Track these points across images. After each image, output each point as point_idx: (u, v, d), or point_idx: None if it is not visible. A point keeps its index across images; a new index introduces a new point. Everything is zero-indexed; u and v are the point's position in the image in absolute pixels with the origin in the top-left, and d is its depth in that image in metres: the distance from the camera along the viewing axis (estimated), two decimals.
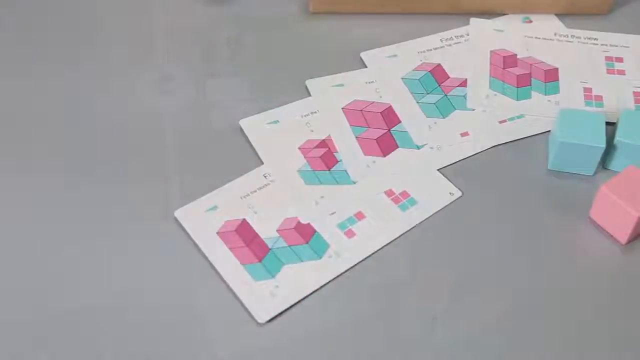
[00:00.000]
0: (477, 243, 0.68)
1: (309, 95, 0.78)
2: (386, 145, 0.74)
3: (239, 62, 0.81)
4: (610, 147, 0.71)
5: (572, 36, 0.84)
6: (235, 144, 0.74)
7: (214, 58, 0.81)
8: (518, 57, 0.82)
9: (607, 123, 0.73)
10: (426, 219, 0.70)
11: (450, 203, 0.71)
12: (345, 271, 0.67)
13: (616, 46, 0.82)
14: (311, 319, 0.64)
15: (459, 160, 0.74)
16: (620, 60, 0.81)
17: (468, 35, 0.84)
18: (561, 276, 0.66)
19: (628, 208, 0.65)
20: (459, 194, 0.71)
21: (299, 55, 0.82)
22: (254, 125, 0.75)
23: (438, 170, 0.73)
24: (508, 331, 0.63)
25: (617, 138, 0.70)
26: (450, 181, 0.72)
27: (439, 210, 0.71)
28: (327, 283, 0.66)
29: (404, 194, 0.71)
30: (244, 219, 0.69)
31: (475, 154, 0.75)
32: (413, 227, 0.69)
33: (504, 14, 0.86)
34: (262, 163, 0.73)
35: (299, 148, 0.74)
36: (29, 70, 0.80)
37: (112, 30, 0.83)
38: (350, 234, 0.68)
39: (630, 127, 0.70)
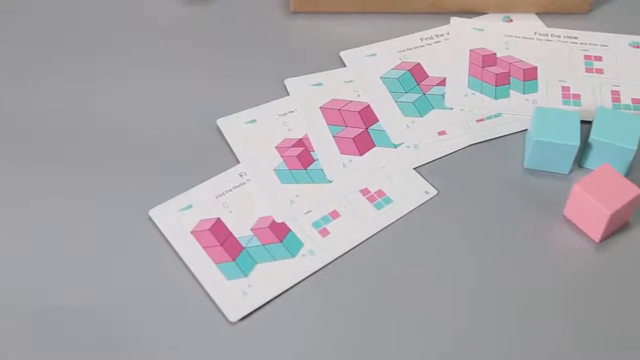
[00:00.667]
0: (452, 241, 0.68)
1: (288, 94, 0.78)
2: (363, 144, 0.74)
3: (218, 61, 0.81)
4: (585, 145, 0.71)
5: (552, 35, 0.84)
6: (212, 143, 0.75)
7: (193, 57, 0.81)
8: (497, 56, 0.82)
9: (584, 122, 0.73)
10: (401, 217, 0.70)
11: (426, 202, 0.71)
12: (319, 270, 0.67)
13: (595, 45, 0.82)
14: (284, 318, 0.64)
15: (436, 159, 0.74)
16: (599, 59, 0.81)
17: (448, 34, 0.84)
18: (535, 274, 0.66)
19: (601, 206, 0.65)
20: (435, 192, 0.71)
21: (278, 54, 0.82)
22: (231, 125, 0.75)
23: (414, 169, 0.73)
24: (482, 329, 0.63)
25: (592, 136, 0.70)
26: (427, 180, 0.72)
27: (414, 209, 0.70)
28: (301, 282, 0.66)
29: (380, 192, 0.71)
30: (219, 218, 0.69)
31: (452, 153, 0.75)
32: (388, 226, 0.69)
33: (484, 13, 0.86)
34: (239, 162, 0.73)
35: (276, 147, 0.74)
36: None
37: (90, 28, 0.83)
38: (324, 232, 0.69)
39: (605, 126, 0.70)
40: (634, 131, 0.70)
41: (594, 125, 0.71)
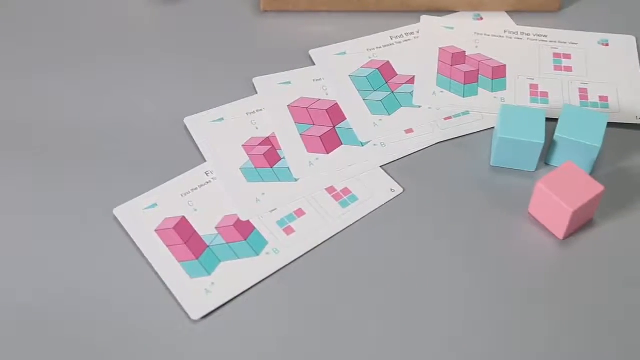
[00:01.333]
0: (417, 239, 0.68)
1: (257, 93, 0.78)
2: (330, 142, 0.75)
3: (187, 60, 0.81)
4: (551, 143, 0.71)
5: (522, 33, 0.84)
6: (179, 142, 0.75)
7: (162, 56, 0.81)
8: (467, 54, 0.82)
9: (552, 119, 0.73)
10: (366, 215, 0.70)
11: (392, 200, 0.71)
12: (283, 268, 0.67)
13: (565, 43, 0.83)
14: (247, 316, 0.64)
15: (403, 157, 0.74)
16: (568, 57, 0.81)
17: (418, 32, 0.84)
18: (499, 272, 0.67)
19: (563, 204, 0.66)
20: (401, 190, 0.71)
21: (248, 53, 0.82)
22: (198, 123, 0.75)
23: (381, 167, 0.73)
24: (445, 326, 0.63)
25: (557, 134, 0.70)
26: (393, 178, 0.72)
27: (379, 207, 0.71)
28: (264, 280, 0.66)
29: (345, 190, 0.71)
30: (183, 217, 0.69)
31: (419, 151, 0.75)
32: (353, 224, 0.69)
33: (455, 12, 0.86)
34: (205, 161, 0.73)
35: (243, 145, 0.74)
36: None
37: (58, 26, 0.83)
38: (289, 230, 0.69)
39: (570, 123, 0.70)
40: (599, 129, 0.70)
41: (559, 122, 0.71)
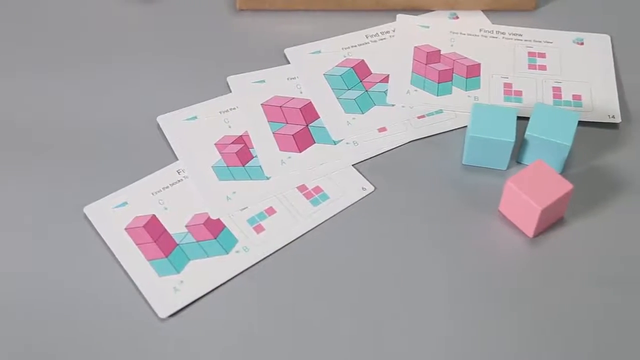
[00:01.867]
0: (387, 237, 0.68)
1: (231, 92, 0.78)
2: (303, 140, 0.75)
3: (162, 58, 0.81)
4: (522, 141, 0.71)
5: (497, 32, 0.84)
6: (152, 140, 0.75)
7: (137, 54, 0.81)
8: (442, 52, 0.82)
9: (525, 118, 0.73)
10: (337, 213, 0.70)
11: (363, 198, 0.71)
12: (252, 266, 0.67)
13: (540, 42, 0.83)
14: (215, 314, 0.64)
15: (375, 156, 0.74)
16: (542, 55, 0.81)
17: (394, 31, 0.84)
18: (469, 270, 0.67)
19: (532, 202, 0.66)
20: (372, 189, 0.71)
21: (223, 52, 0.82)
22: (171, 122, 0.75)
23: (353, 165, 0.73)
24: (416, 325, 0.63)
25: (528, 132, 0.70)
26: (365, 176, 0.72)
27: (350, 205, 0.71)
28: (234, 278, 0.66)
29: (317, 189, 0.71)
30: (154, 215, 0.69)
31: (392, 149, 0.75)
32: (323, 222, 0.69)
33: (431, 11, 0.86)
34: (177, 159, 0.73)
35: (215, 144, 0.74)
36: None
37: (33, 25, 0.83)
38: (259, 229, 0.69)
39: (541, 122, 0.70)
40: (570, 127, 0.70)
41: (530, 121, 0.71)
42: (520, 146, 0.72)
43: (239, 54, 0.82)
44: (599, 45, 0.83)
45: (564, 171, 0.72)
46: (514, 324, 0.64)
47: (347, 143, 0.75)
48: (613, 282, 0.66)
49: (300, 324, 0.64)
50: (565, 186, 0.66)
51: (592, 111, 0.76)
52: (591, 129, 0.76)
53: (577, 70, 0.80)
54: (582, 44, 0.83)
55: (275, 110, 0.77)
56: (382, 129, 0.76)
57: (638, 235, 0.69)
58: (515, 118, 0.71)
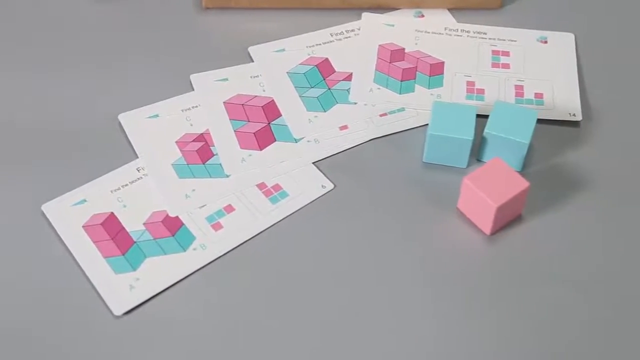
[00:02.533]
0: (346, 235, 0.68)
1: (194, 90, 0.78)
2: (264, 138, 0.75)
3: (126, 56, 0.81)
4: (481, 139, 0.71)
5: (462, 30, 0.84)
6: (113, 139, 0.75)
7: (102, 52, 0.81)
8: (406, 51, 0.82)
9: (486, 116, 0.73)
10: (296, 211, 0.70)
11: (323, 196, 0.71)
12: (209, 263, 0.67)
13: (504, 40, 0.83)
14: (171, 312, 0.64)
15: (336, 154, 0.74)
16: (506, 54, 0.82)
17: (359, 29, 0.84)
18: (427, 268, 0.67)
19: (488, 199, 0.66)
20: (331, 186, 0.71)
21: (188, 50, 0.82)
22: (132, 120, 0.75)
23: (314, 163, 0.73)
24: (375, 323, 0.63)
25: (486, 130, 0.70)
26: (325, 174, 0.72)
27: (309, 203, 0.71)
28: (190, 275, 0.66)
29: (276, 186, 0.71)
30: (112, 213, 0.69)
31: (353, 147, 0.75)
32: (281, 220, 0.69)
33: (397, 9, 0.86)
34: (138, 157, 0.73)
35: (176, 142, 0.74)
36: None
37: None
38: (217, 226, 0.69)
39: (500, 120, 0.71)
40: (529, 125, 0.70)
41: (489, 119, 0.71)
42: (480, 144, 0.72)
43: (203, 52, 0.82)
44: (563, 43, 0.83)
45: (524, 169, 0.72)
46: (472, 322, 0.64)
47: (308, 141, 0.75)
48: (568, 279, 0.66)
49: (256, 322, 0.64)
50: (522, 184, 0.66)
51: (553, 109, 0.77)
52: (552, 127, 0.76)
53: (540, 69, 0.80)
54: (546, 42, 0.83)
55: (237, 108, 0.77)
56: (344, 127, 0.76)
57: (595, 232, 0.69)
58: (475, 116, 0.71)
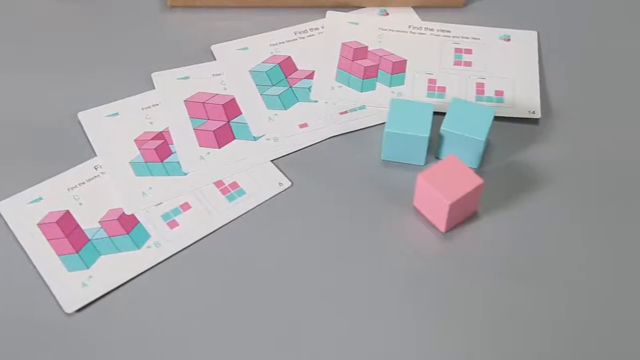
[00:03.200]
0: (302, 233, 0.68)
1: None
2: (223, 136, 0.75)
3: (90, 55, 0.81)
4: (438, 136, 0.71)
5: (426, 28, 0.84)
6: (73, 137, 0.75)
7: (64, 50, 0.81)
8: (369, 49, 0.82)
9: (444, 114, 0.73)
10: (252, 209, 0.70)
11: (280, 193, 0.71)
12: (163, 261, 0.67)
13: (467, 38, 0.83)
14: (123, 310, 0.64)
15: (295, 151, 0.74)
16: (469, 52, 0.82)
17: (323, 28, 0.84)
18: (383, 266, 0.67)
19: (441, 196, 0.66)
20: (289, 184, 0.71)
21: (152, 48, 0.82)
22: (92, 118, 0.76)
23: (272, 161, 0.73)
24: (332, 320, 0.64)
25: (442, 128, 0.70)
26: (283, 172, 0.72)
27: (266, 201, 0.71)
28: (144, 273, 0.66)
29: (234, 184, 0.71)
30: (67, 211, 0.69)
31: (313, 145, 0.75)
32: (237, 218, 0.69)
33: (362, 7, 0.86)
34: (97, 155, 0.73)
35: (135, 140, 0.74)
36: None
37: None
38: (173, 224, 0.69)
39: (457, 117, 0.71)
40: (485, 123, 0.70)
41: (446, 116, 0.71)
42: (437, 141, 0.72)
43: (167, 51, 0.82)
44: (526, 41, 0.83)
45: (482, 166, 0.72)
46: (426, 319, 0.64)
47: (267, 139, 0.75)
48: (521, 276, 0.66)
49: (209, 320, 0.64)
50: (476, 181, 0.67)
51: (513, 107, 0.77)
52: (512, 124, 0.76)
53: (501, 67, 0.80)
54: (509, 40, 0.83)
55: (198, 107, 0.77)
56: (303, 125, 0.76)
57: (549, 229, 0.69)
58: (432, 113, 0.71)
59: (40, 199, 0.69)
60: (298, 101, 0.77)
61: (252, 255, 0.68)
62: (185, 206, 0.70)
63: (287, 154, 0.74)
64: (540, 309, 0.65)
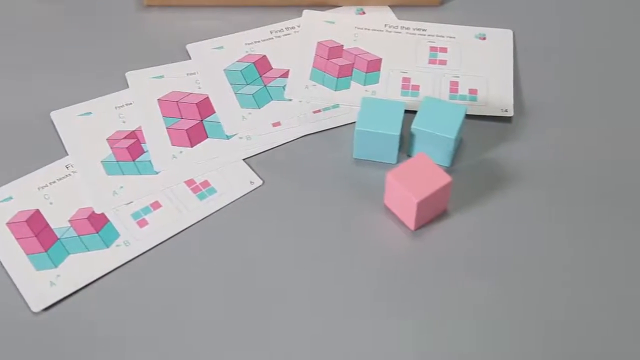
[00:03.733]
0: (273, 231, 0.68)
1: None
2: (196, 135, 0.75)
3: (65, 54, 0.81)
4: (409, 135, 0.71)
5: (402, 27, 0.84)
6: (45, 136, 0.75)
7: (39, 49, 0.81)
8: (344, 48, 0.82)
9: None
10: (222, 207, 0.70)
11: (251, 192, 0.71)
12: (132, 260, 0.67)
13: (443, 37, 0.83)
14: (91, 308, 0.64)
15: (268, 150, 0.74)
16: (444, 50, 0.82)
17: (299, 27, 0.84)
18: (355, 264, 0.67)
19: (409, 194, 0.66)
20: (260, 182, 0.71)
21: (127, 47, 0.82)
22: (64, 117, 0.76)
23: (244, 160, 0.73)
24: (302, 318, 0.64)
25: (413, 126, 0.70)
26: (255, 170, 0.72)
27: (237, 199, 0.71)
28: (113, 272, 0.66)
29: (205, 183, 0.71)
30: (37, 210, 0.69)
31: (285, 144, 0.75)
32: (208, 216, 0.69)
33: (338, 6, 0.86)
34: (68, 154, 0.73)
35: (107, 139, 0.74)
36: None
37: None
38: (143, 223, 0.69)
39: (428, 115, 0.71)
40: (455, 121, 0.70)
41: (417, 115, 0.71)
42: (409, 140, 0.72)
43: (143, 50, 0.82)
44: (501, 40, 0.83)
45: (454, 164, 0.72)
46: (396, 318, 0.64)
47: (240, 138, 0.75)
48: (491, 274, 0.66)
49: (176, 319, 0.64)
50: (444, 179, 0.66)
51: (486, 105, 0.76)
52: (485, 122, 0.76)
53: (476, 65, 0.80)
54: (484, 38, 0.83)
55: (171, 105, 0.77)
56: (276, 124, 0.76)
57: (519, 227, 0.69)
58: (403, 112, 0.71)
59: (10, 198, 0.69)
60: (272, 100, 0.77)
61: (223, 253, 0.67)
62: (156, 205, 0.70)
63: (260, 153, 0.74)
64: (509, 306, 0.64)
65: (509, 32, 0.83)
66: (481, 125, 0.75)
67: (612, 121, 0.76)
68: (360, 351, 0.62)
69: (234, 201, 0.71)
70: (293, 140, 0.75)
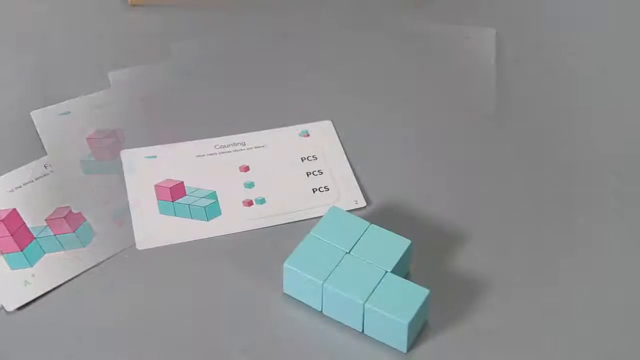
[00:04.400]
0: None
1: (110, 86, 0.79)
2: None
3: (45, 53, 0.81)
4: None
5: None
6: (24, 136, 0.75)
7: (17, 49, 0.81)
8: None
9: None
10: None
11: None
12: (108, 259, 0.67)
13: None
14: (67, 308, 0.64)
15: None
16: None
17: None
18: None
19: None
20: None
21: (110, 47, 0.82)
22: (44, 117, 0.76)
23: None
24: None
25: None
26: None
27: None
28: (88, 270, 0.66)
29: None
30: (14, 209, 0.69)
31: None
32: None
33: None
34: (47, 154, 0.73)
35: (87, 138, 0.74)
36: None
37: None
38: (120, 222, 0.69)
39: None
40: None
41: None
42: None
43: (126, 50, 0.82)
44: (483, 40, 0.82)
45: None
46: None
47: None
48: None
49: (151, 319, 0.63)
50: None
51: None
52: None
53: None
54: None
55: None
56: None
57: None
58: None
59: None
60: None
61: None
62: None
63: None
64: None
65: (492, 31, 0.83)
66: None
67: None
68: None
69: None
70: None
